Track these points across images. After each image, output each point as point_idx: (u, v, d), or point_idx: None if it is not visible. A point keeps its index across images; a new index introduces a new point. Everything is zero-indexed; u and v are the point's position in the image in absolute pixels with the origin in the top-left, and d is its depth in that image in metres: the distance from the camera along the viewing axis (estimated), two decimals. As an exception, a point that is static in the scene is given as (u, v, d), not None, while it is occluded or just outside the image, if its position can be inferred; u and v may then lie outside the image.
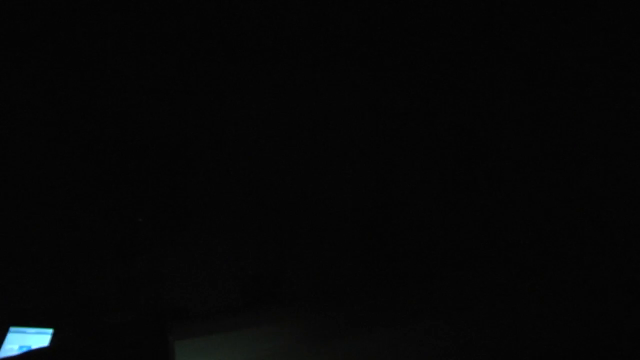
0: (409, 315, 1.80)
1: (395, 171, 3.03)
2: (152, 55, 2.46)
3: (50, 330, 1.79)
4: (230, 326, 1.71)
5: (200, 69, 2.59)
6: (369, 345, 1.62)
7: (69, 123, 2.34)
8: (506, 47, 3.07)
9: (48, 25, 2.24)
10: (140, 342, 1.58)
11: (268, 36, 2.73)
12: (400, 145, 3.06)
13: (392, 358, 1.68)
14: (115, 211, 2.38)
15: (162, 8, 2.43)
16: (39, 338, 1.72)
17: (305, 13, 2.77)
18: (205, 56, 2.59)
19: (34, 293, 2.21)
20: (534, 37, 3.02)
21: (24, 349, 1.66)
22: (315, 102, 2.85)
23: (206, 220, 2.58)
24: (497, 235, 2.97)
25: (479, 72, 3.18)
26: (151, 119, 2.48)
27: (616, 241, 2.62)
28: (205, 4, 2.53)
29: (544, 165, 2.97)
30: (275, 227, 2.75)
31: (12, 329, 1.76)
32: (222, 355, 1.61)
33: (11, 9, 2.15)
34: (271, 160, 2.74)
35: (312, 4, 2.77)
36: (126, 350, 1.53)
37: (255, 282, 2.59)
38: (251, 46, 2.70)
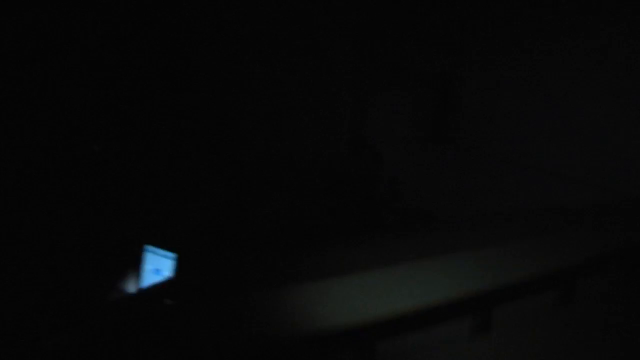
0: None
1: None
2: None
3: (173, 255, 2.16)
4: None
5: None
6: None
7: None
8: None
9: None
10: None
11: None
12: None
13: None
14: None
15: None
16: (166, 261, 2.11)
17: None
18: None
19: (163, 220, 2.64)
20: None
21: (157, 273, 2.06)
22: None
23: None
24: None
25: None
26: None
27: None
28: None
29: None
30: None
31: (147, 247, 2.16)
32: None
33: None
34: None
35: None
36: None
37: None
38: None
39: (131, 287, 2.10)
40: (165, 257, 2.17)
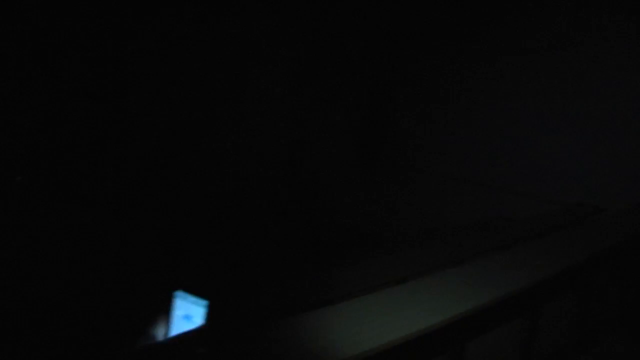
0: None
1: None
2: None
3: (205, 302, 2.07)
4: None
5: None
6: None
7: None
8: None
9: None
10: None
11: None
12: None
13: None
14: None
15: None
16: (198, 308, 2.02)
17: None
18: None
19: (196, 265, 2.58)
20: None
21: (188, 319, 1.97)
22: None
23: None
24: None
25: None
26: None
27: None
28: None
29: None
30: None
31: (177, 293, 2.08)
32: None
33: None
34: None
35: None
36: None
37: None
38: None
39: (160, 334, 2.00)
40: (197, 303, 2.08)
